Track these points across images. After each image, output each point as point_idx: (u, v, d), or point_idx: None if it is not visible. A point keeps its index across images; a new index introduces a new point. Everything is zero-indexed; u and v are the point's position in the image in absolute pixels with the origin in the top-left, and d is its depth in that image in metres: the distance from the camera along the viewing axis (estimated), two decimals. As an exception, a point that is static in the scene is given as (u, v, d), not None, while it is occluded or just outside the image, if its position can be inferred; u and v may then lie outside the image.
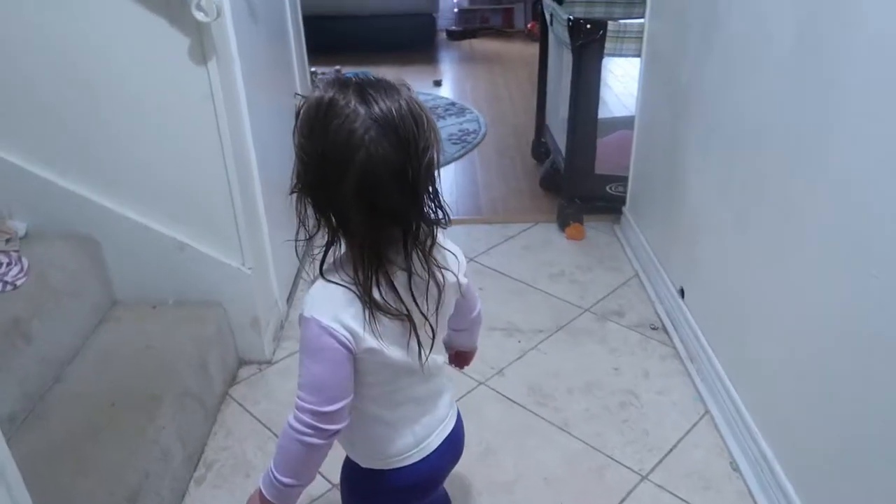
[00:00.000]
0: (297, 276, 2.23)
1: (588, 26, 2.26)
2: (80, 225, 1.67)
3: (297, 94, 0.80)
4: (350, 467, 0.99)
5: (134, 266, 1.74)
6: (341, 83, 0.75)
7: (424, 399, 0.94)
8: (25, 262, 1.56)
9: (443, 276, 0.86)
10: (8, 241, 1.60)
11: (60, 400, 1.44)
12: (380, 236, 0.78)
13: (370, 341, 0.81)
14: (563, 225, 2.57)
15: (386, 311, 0.81)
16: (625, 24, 2.28)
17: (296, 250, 0.83)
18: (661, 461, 1.54)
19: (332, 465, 0.98)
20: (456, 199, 2.91)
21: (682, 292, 1.92)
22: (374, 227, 0.77)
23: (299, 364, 0.83)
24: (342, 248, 0.82)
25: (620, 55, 2.34)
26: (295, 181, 0.79)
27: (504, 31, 6.30)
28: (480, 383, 1.78)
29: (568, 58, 2.41)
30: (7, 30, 1.48)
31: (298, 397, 0.82)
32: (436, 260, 0.85)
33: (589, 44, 2.27)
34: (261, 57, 1.90)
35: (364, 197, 0.75)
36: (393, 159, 0.73)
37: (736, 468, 1.50)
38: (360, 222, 0.77)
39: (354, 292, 0.80)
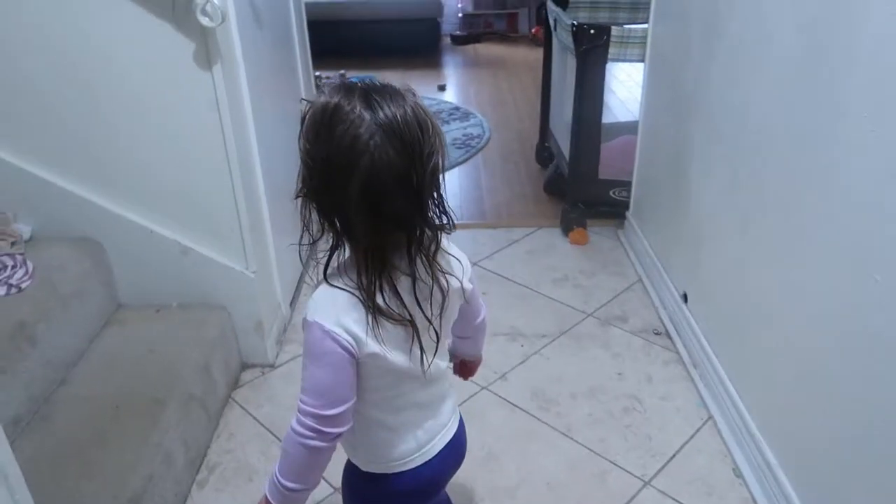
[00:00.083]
0: (301, 280, 2.24)
1: (592, 31, 2.26)
2: (84, 228, 1.68)
3: (302, 99, 0.81)
4: (351, 471, 0.99)
5: (138, 269, 1.74)
6: (347, 89, 0.75)
7: (427, 404, 0.94)
8: (30, 265, 1.56)
9: (447, 281, 0.86)
10: (13, 244, 1.61)
11: (65, 403, 1.44)
12: (384, 241, 0.79)
13: (373, 346, 0.81)
14: (566, 230, 2.57)
15: (389, 317, 0.81)
16: (628, 30, 2.29)
17: (299, 255, 0.84)
18: (663, 467, 1.53)
19: (334, 468, 0.98)
20: (460, 203, 2.92)
21: (685, 297, 1.92)
22: (379, 232, 0.77)
23: (302, 368, 0.83)
24: (346, 252, 0.82)
25: (624, 60, 2.34)
26: (300, 186, 0.80)
27: (508, 35, 6.32)
28: (483, 388, 1.78)
29: (572, 63, 2.42)
30: (13, 36, 1.49)
31: (301, 401, 0.82)
32: (440, 265, 0.85)
33: (593, 49, 2.28)
34: (265, 61, 1.90)
35: (368, 202, 0.75)
36: (397, 165, 0.74)
37: (739, 474, 1.50)
38: (364, 227, 0.77)
39: (358, 297, 0.80)
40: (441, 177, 0.79)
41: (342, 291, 0.81)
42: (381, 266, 0.79)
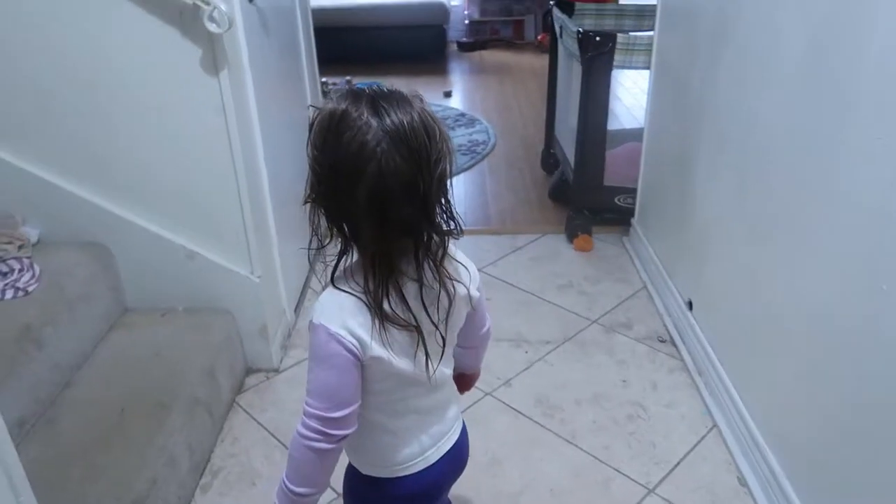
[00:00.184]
0: (306, 285, 2.25)
1: (597, 39, 2.27)
2: (91, 232, 1.69)
3: (310, 105, 0.81)
4: (351, 474, 0.99)
5: (144, 273, 1.75)
6: (354, 95, 0.76)
7: (430, 410, 0.94)
8: (37, 268, 1.57)
9: (454, 286, 0.86)
10: (20, 247, 1.62)
11: (70, 406, 1.45)
12: (391, 247, 0.79)
13: (377, 350, 0.81)
14: (571, 236, 2.57)
15: (394, 322, 0.81)
16: (634, 37, 2.29)
17: (308, 259, 0.84)
18: (668, 475, 1.53)
19: (338, 474, 0.98)
20: (465, 209, 2.92)
21: (690, 305, 1.91)
22: (386, 237, 0.78)
23: (308, 370, 0.84)
24: (354, 256, 0.83)
25: (630, 67, 2.35)
26: (308, 191, 0.80)
27: (514, 42, 6.33)
28: (487, 394, 1.78)
29: (577, 70, 2.42)
30: (24, 43, 1.50)
31: (306, 403, 0.83)
32: (447, 271, 0.85)
33: (598, 56, 2.28)
34: (272, 67, 1.91)
35: (375, 208, 0.75)
36: (404, 171, 0.74)
37: (744, 483, 1.49)
38: (371, 233, 0.77)
39: (363, 301, 0.80)
40: (449, 183, 0.80)
41: (348, 295, 0.81)
42: (389, 271, 0.80)
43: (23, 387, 1.37)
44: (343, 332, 0.80)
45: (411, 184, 0.75)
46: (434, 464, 0.95)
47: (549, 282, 2.31)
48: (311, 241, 0.82)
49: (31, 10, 1.48)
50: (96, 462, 1.31)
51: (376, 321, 0.80)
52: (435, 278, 0.83)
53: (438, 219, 0.80)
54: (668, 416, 1.70)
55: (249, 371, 1.87)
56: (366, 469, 0.96)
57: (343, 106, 0.75)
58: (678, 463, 1.56)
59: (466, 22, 6.39)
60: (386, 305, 0.80)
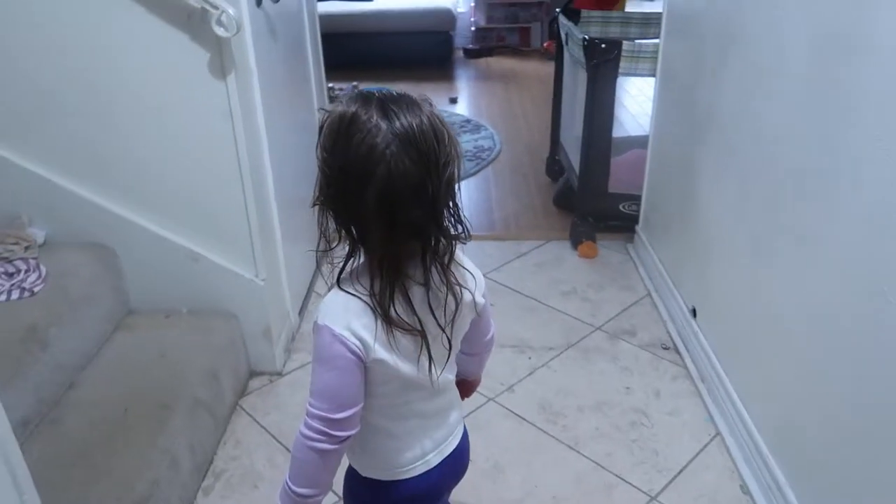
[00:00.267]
0: (310, 288, 2.25)
1: (603, 46, 2.27)
2: (97, 234, 1.70)
3: (321, 108, 0.81)
4: (352, 476, 0.99)
5: (149, 275, 1.76)
6: (364, 98, 0.76)
7: (432, 414, 0.94)
8: (43, 269, 1.58)
9: (461, 292, 0.86)
10: (27, 248, 1.63)
11: (74, 406, 1.45)
12: (399, 250, 0.79)
13: (380, 352, 0.82)
14: (575, 243, 2.57)
15: (399, 326, 0.81)
16: (640, 44, 2.30)
17: (316, 261, 0.84)
18: (670, 482, 1.52)
19: (338, 473, 0.98)
20: (469, 215, 2.87)
21: (694, 312, 1.91)
22: (394, 240, 0.78)
23: (311, 371, 0.84)
24: (360, 258, 0.83)
25: (635, 75, 2.35)
26: (317, 193, 0.80)
27: (520, 49, 6.35)
28: (490, 399, 1.78)
29: (583, 77, 2.43)
30: (31, 45, 1.52)
31: (309, 403, 0.83)
32: (454, 276, 0.85)
33: (604, 63, 2.29)
34: (279, 72, 1.92)
35: (385, 210, 0.76)
36: (413, 174, 0.74)
37: (747, 492, 1.48)
38: (379, 235, 0.77)
39: (368, 303, 0.81)
40: (457, 186, 0.80)
41: (353, 297, 0.81)
42: (395, 275, 0.80)
43: (27, 387, 1.37)
44: (347, 334, 0.80)
45: (420, 186, 0.75)
46: (434, 467, 0.95)
47: (553, 288, 2.31)
48: (318, 243, 0.82)
49: (39, 13, 1.49)
50: (99, 462, 1.32)
51: (380, 324, 0.81)
52: (442, 282, 0.83)
53: (446, 222, 0.81)
54: (671, 423, 1.70)
55: (253, 374, 1.87)
56: (366, 471, 0.96)
57: (353, 108, 0.75)
58: (681, 470, 1.55)
59: (473, 29, 6.42)
60: (391, 309, 0.80)
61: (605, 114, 2.40)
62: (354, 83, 4.59)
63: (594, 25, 2.86)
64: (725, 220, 1.71)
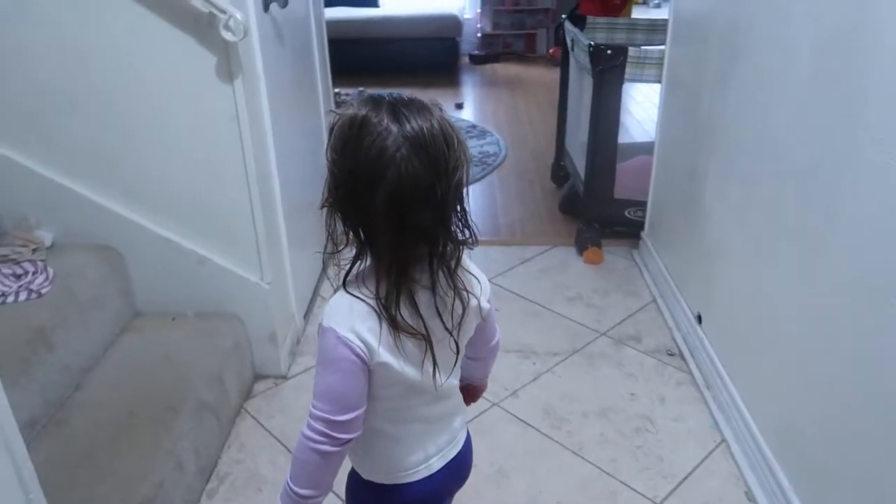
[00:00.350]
0: (315, 292, 2.26)
1: (609, 52, 2.28)
2: (104, 236, 1.71)
3: (331, 110, 0.82)
4: (353, 478, 0.99)
5: (155, 278, 1.77)
6: (375, 101, 0.77)
7: (435, 419, 0.94)
8: (51, 271, 1.59)
9: (467, 297, 0.86)
10: (35, 250, 1.64)
11: (80, 408, 1.46)
12: (407, 253, 0.79)
13: (384, 356, 0.82)
14: (580, 248, 2.57)
15: (404, 330, 0.81)
16: (645, 51, 2.30)
17: (323, 263, 0.85)
18: (675, 489, 1.52)
19: (341, 480, 0.98)
20: (475, 220, 2.91)
21: (699, 318, 1.91)
22: (402, 244, 0.78)
23: (315, 373, 0.84)
24: (366, 261, 0.83)
25: (641, 81, 2.35)
26: (326, 195, 0.81)
27: (526, 55, 6.37)
28: (494, 404, 1.78)
29: (589, 83, 2.43)
30: (41, 50, 1.53)
31: (312, 405, 0.83)
32: (461, 280, 0.85)
33: (609, 69, 2.29)
34: (286, 77, 1.94)
35: (393, 214, 0.76)
36: (423, 177, 0.75)
37: (752, 498, 1.48)
38: (387, 239, 0.78)
39: (373, 307, 0.81)
40: (465, 191, 0.80)
41: (358, 300, 0.81)
42: (403, 278, 0.80)
43: (34, 388, 1.38)
44: (351, 336, 0.80)
45: (429, 190, 0.75)
46: (437, 472, 0.95)
47: (558, 293, 2.31)
48: (326, 246, 0.82)
49: (48, 18, 1.50)
50: (104, 464, 1.32)
51: (385, 327, 0.81)
52: (449, 286, 0.84)
53: (454, 227, 0.81)
54: (675, 429, 1.69)
55: (258, 377, 1.88)
56: (368, 475, 0.96)
57: (363, 111, 0.76)
58: (686, 477, 1.55)
59: (479, 35, 6.43)
60: (396, 313, 0.81)
61: (611, 120, 2.40)
62: (361, 89, 4.61)
63: (600, 32, 2.87)
64: (731, 226, 1.70)
